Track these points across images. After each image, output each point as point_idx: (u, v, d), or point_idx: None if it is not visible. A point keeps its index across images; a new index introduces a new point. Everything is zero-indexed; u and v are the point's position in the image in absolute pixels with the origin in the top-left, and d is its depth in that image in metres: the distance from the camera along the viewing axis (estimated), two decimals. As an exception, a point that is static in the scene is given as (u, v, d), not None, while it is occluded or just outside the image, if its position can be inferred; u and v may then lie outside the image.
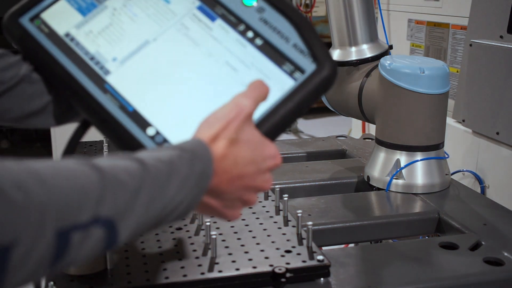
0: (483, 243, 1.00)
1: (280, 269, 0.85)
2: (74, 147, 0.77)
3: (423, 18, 1.95)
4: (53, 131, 3.79)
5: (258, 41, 0.75)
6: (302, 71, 0.72)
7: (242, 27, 0.76)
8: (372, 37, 1.40)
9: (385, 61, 1.27)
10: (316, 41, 0.73)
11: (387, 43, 1.44)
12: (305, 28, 0.74)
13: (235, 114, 0.64)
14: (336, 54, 1.41)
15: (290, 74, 0.72)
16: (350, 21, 1.38)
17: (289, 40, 0.74)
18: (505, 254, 0.96)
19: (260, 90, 0.68)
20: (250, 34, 0.75)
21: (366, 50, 1.39)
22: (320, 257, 0.88)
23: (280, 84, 0.72)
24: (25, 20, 0.80)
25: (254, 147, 0.65)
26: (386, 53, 1.40)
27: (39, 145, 4.16)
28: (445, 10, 1.84)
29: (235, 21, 0.76)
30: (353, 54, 1.39)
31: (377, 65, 1.31)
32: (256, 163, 0.65)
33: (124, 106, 0.72)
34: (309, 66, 0.72)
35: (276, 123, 0.70)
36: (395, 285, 0.88)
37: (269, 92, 0.69)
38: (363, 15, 1.38)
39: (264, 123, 0.69)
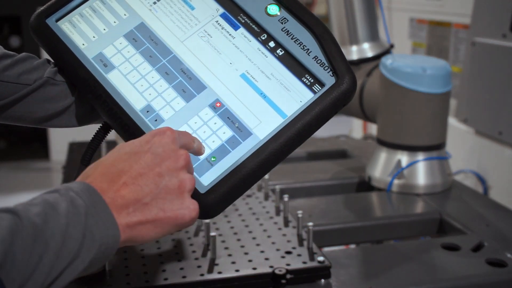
0: (485, 244, 0.99)
1: (280, 270, 0.84)
2: (94, 150, 0.77)
3: (425, 17, 1.94)
4: (51, 132, 3.79)
5: (279, 52, 0.75)
6: (321, 84, 0.72)
7: (264, 37, 0.76)
8: (373, 36, 1.39)
9: (387, 60, 1.26)
10: (337, 53, 0.73)
11: (389, 42, 1.43)
12: (327, 40, 0.74)
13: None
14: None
15: (310, 86, 0.72)
16: (351, 20, 1.37)
17: (310, 52, 0.74)
18: (508, 255, 0.95)
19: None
20: (271, 44, 0.76)
21: (367, 49, 1.38)
22: (321, 258, 0.87)
23: (299, 96, 0.72)
24: (51, 21, 0.80)
25: (130, 146, 0.59)
26: (387, 52, 1.39)
27: (36, 145, 4.16)
28: (447, 9, 1.84)
29: (257, 30, 0.77)
30: (354, 53, 1.38)
31: (378, 64, 1.30)
32: (141, 152, 0.58)
33: (147, 112, 0.72)
34: (328, 79, 0.72)
35: (293, 136, 0.69)
36: (396, 286, 0.87)
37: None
38: (364, 14, 1.37)
39: (281, 136, 0.69)
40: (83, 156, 0.75)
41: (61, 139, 3.42)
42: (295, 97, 0.72)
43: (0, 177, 3.78)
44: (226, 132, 0.70)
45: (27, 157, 4.06)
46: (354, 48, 1.39)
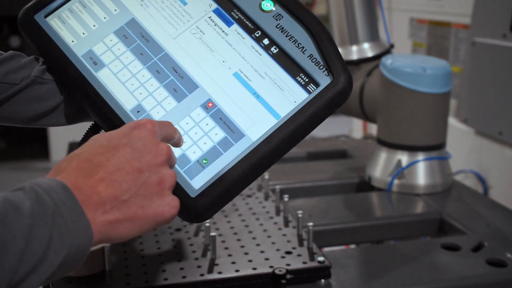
0: (485, 244, 0.99)
1: (280, 271, 0.84)
2: None
3: (425, 17, 1.94)
4: (51, 132, 3.79)
5: (274, 49, 0.73)
6: (316, 84, 0.70)
7: (258, 34, 0.74)
8: (373, 36, 1.39)
9: (387, 60, 1.26)
10: (333, 52, 0.71)
11: (389, 42, 1.43)
12: (322, 38, 0.71)
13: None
14: (337, 53, 1.40)
15: (304, 86, 0.70)
16: (351, 20, 1.37)
17: (305, 50, 0.72)
18: (508, 255, 0.95)
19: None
20: (266, 41, 0.73)
21: (367, 49, 1.38)
22: (321, 258, 0.87)
23: (293, 96, 0.70)
24: (40, 17, 0.78)
25: (108, 138, 0.55)
26: (387, 52, 1.39)
27: (36, 145, 4.16)
28: (447, 9, 1.83)
29: (251, 26, 0.74)
30: (354, 53, 1.38)
31: (378, 64, 1.30)
32: (120, 145, 0.54)
33: (137, 112, 0.71)
34: (324, 78, 0.70)
35: (287, 138, 0.68)
36: (396, 286, 0.87)
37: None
38: (364, 14, 1.37)
39: (274, 138, 0.67)
40: None
41: (61, 139, 3.42)
42: (289, 97, 0.70)
43: (0, 177, 3.78)
44: (218, 134, 0.68)
45: (27, 157, 4.06)
46: (354, 48, 1.39)
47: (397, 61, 1.23)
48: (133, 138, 0.56)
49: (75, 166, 0.53)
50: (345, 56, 1.38)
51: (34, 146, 4.19)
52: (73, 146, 1.49)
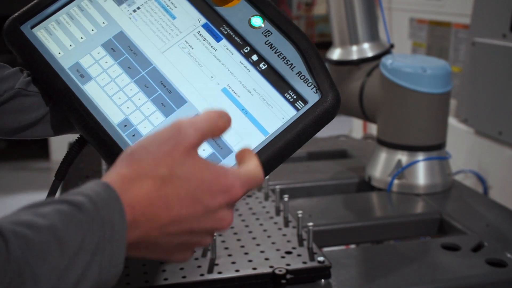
0: (485, 244, 0.99)
1: (280, 271, 0.84)
2: (69, 164, 0.74)
3: (425, 17, 1.95)
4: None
5: (262, 66, 0.73)
6: (304, 101, 0.70)
7: (247, 50, 0.74)
8: (373, 36, 1.39)
9: (387, 60, 1.26)
10: (321, 69, 0.71)
11: (389, 42, 1.43)
12: (311, 56, 0.72)
13: (171, 146, 0.52)
14: (337, 53, 1.40)
15: (292, 103, 0.70)
16: (351, 20, 1.37)
17: (294, 67, 0.72)
18: (508, 255, 0.95)
19: (212, 124, 0.55)
20: (254, 57, 0.73)
21: (367, 49, 1.38)
22: (321, 258, 0.87)
23: (281, 113, 0.70)
24: (26, 28, 0.77)
25: (196, 183, 0.52)
26: (387, 52, 1.39)
27: (36, 145, 4.16)
28: (447, 9, 1.84)
29: (240, 42, 0.74)
30: (354, 53, 1.38)
31: (378, 64, 1.30)
32: (200, 202, 0.52)
33: (124, 126, 0.70)
34: (312, 96, 0.70)
35: (274, 155, 0.68)
36: (396, 286, 0.87)
37: (227, 129, 0.57)
38: (364, 14, 1.37)
39: (262, 154, 0.67)
40: (58, 170, 0.73)
41: (61, 139, 3.41)
42: (277, 113, 0.70)
43: (0, 177, 3.78)
44: (206, 149, 0.68)
45: (27, 157, 4.06)
46: (354, 48, 1.39)
47: (397, 61, 1.23)
48: (215, 204, 0.53)
49: (147, 194, 0.50)
50: (345, 56, 1.38)
51: (34, 146, 4.19)
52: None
